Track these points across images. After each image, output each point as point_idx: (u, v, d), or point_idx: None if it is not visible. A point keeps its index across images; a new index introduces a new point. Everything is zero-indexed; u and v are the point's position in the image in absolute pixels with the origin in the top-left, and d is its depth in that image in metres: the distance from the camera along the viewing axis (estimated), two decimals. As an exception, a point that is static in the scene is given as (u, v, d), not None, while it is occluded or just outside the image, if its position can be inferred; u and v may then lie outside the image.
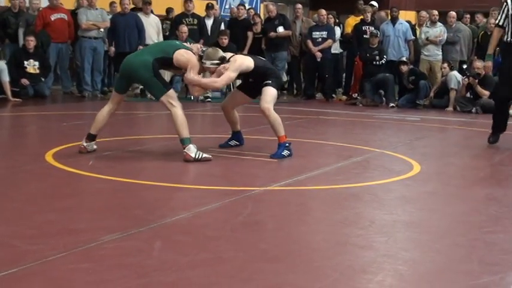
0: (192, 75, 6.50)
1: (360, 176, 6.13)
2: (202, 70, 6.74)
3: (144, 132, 8.14)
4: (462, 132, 9.86)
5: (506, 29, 7.85)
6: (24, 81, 11.87)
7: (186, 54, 6.50)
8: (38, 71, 12.17)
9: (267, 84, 6.87)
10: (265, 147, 7.31)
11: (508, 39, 7.83)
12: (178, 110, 6.44)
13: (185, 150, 6.37)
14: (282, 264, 3.54)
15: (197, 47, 6.70)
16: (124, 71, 6.57)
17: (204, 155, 6.41)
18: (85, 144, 6.67)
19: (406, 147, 7.81)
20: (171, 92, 6.53)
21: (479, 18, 14.53)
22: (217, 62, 6.57)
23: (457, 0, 18.02)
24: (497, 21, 8.07)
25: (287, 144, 6.86)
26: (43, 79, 12.28)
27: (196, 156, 6.35)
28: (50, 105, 11.70)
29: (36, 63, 12.14)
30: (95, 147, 6.77)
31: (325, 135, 8.88)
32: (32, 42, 12.03)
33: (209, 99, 12.65)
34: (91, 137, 6.70)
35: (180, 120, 6.40)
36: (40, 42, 12.37)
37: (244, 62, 6.77)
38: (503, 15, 7.89)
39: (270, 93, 6.86)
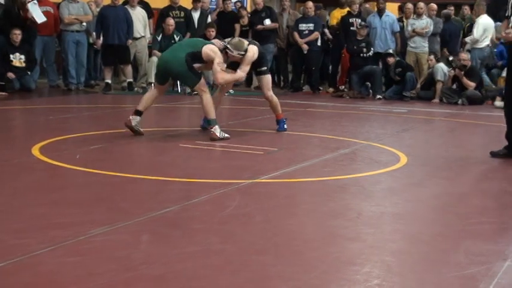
0: (223, 73, 7.38)
1: (347, 168, 6.14)
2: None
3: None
4: (448, 124, 9.90)
5: None
6: (10, 75, 11.78)
7: (213, 48, 7.33)
8: (23, 65, 12.09)
9: (263, 72, 7.88)
10: (252, 139, 7.31)
11: None
12: (207, 95, 7.38)
13: (212, 130, 7.19)
14: (270, 256, 3.55)
15: (219, 42, 7.57)
16: (161, 68, 7.49)
17: (226, 135, 7.24)
18: (131, 117, 7.38)
19: (393, 139, 7.83)
20: (202, 80, 7.43)
21: (466, 10, 14.61)
22: (243, 52, 7.41)
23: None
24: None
25: (284, 120, 8.04)
26: (29, 72, 12.21)
27: (220, 136, 7.16)
28: (36, 99, 11.63)
29: (22, 56, 12.06)
30: (138, 125, 7.43)
31: (312, 127, 8.88)
32: (18, 35, 11.97)
33: (196, 92, 12.61)
34: (138, 113, 7.41)
35: (208, 104, 7.30)
36: (27, 35, 12.31)
37: (255, 53, 7.53)
38: None
39: (268, 80, 7.94)
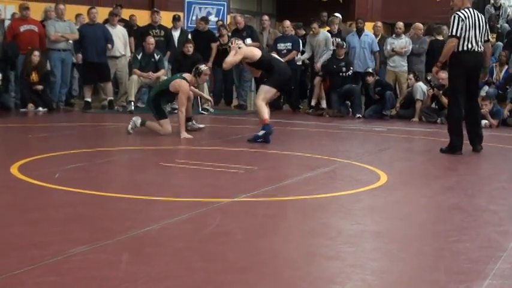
0: None
1: (327, 186, 6.16)
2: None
3: (111, 144, 8.09)
4: (427, 142, 9.96)
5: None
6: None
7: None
8: (0, 83, 12.01)
9: (264, 83, 9.03)
10: (233, 158, 7.31)
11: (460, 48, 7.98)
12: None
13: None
14: (250, 275, 3.55)
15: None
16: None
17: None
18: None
19: (372, 158, 7.86)
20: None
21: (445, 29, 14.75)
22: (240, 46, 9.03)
23: (422, 11, 18.21)
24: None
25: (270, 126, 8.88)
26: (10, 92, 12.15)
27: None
28: (15, 117, 11.57)
29: (-1, 74, 12.00)
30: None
31: (292, 146, 8.90)
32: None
33: (176, 111, 12.60)
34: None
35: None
36: (12, 53, 12.25)
37: (255, 54, 9.12)
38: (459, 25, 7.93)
39: (262, 91, 9.00)
